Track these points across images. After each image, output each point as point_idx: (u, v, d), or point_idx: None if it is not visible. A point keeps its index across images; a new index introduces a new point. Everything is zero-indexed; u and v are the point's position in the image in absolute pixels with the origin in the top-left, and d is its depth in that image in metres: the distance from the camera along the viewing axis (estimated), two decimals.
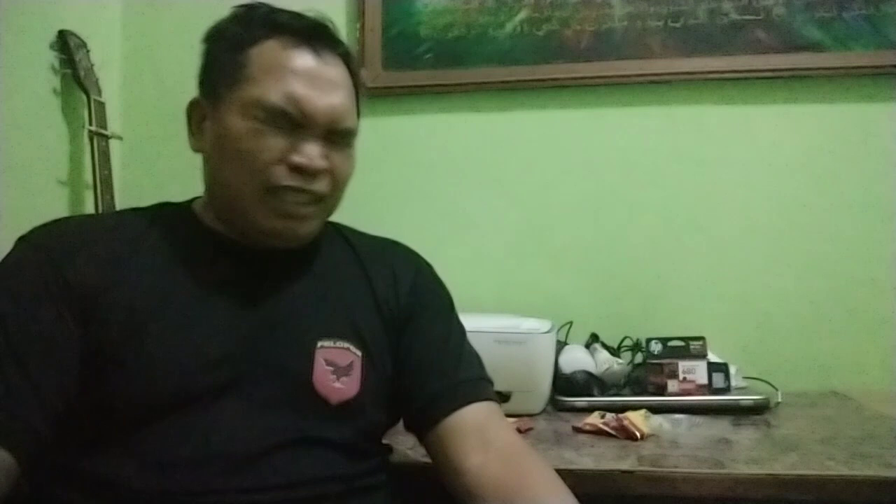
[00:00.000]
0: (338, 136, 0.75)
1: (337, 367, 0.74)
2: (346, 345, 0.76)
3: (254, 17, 0.75)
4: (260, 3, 0.77)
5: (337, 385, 0.73)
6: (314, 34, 0.75)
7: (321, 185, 0.75)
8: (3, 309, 0.67)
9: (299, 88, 0.72)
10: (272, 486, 0.67)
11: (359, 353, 0.77)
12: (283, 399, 0.71)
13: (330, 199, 0.77)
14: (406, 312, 0.82)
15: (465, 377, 0.79)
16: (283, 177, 0.72)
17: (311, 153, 0.72)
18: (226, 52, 0.75)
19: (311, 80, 0.72)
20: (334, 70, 0.75)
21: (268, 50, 0.73)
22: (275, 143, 0.71)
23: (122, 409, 0.67)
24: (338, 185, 0.77)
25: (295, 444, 0.70)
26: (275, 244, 0.77)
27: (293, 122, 0.72)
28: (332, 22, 0.78)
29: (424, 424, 0.77)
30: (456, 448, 0.73)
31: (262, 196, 0.72)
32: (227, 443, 0.67)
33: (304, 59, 0.73)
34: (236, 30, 0.75)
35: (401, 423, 0.82)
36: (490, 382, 0.82)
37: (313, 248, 0.82)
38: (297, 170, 0.72)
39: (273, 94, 0.71)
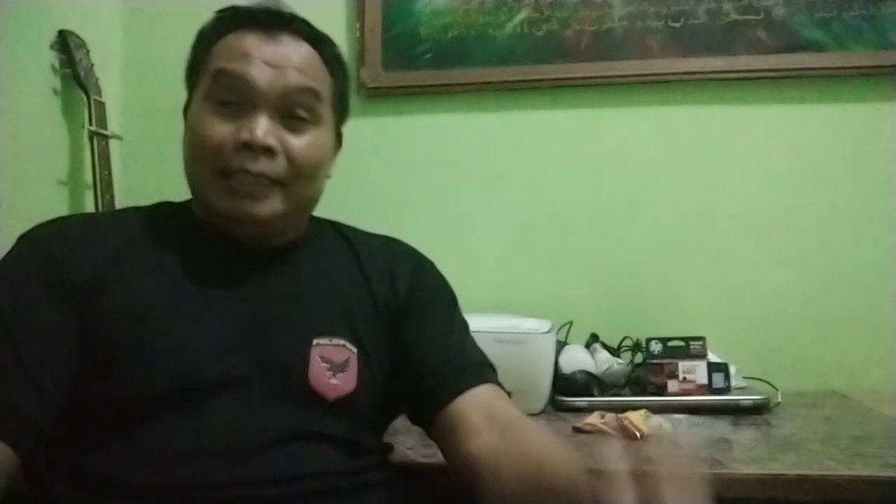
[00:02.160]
0: (293, 119, 0.75)
1: (333, 364, 0.74)
2: (342, 342, 0.76)
3: (224, 17, 0.78)
4: (235, 5, 0.79)
5: (333, 381, 0.74)
6: (269, 20, 0.76)
7: (275, 167, 0.73)
8: (3, 304, 0.68)
9: (242, 65, 0.73)
10: (270, 481, 0.67)
11: (354, 349, 0.77)
12: (280, 395, 0.71)
13: (294, 185, 0.75)
14: (404, 308, 0.81)
15: (470, 361, 0.79)
16: (231, 158, 0.72)
17: (254, 128, 0.72)
18: (198, 51, 0.78)
19: (257, 58, 0.73)
20: (289, 49, 0.75)
21: (226, 42, 0.76)
22: (225, 128, 0.73)
23: (120, 404, 0.68)
24: (300, 171, 0.75)
25: (293, 439, 0.70)
26: (241, 230, 0.76)
27: (238, 99, 0.73)
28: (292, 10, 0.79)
29: (430, 411, 0.76)
30: (463, 431, 0.72)
31: (217, 180, 0.73)
32: (224, 437, 0.67)
33: (254, 42, 0.74)
34: (209, 31, 0.78)
35: (401, 423, 0.82)
36: (494, 370, 0.81)
37: (311, 244, 0.83)
38: (244, 147, 0.72)
39: (218, 67, 0.74)
